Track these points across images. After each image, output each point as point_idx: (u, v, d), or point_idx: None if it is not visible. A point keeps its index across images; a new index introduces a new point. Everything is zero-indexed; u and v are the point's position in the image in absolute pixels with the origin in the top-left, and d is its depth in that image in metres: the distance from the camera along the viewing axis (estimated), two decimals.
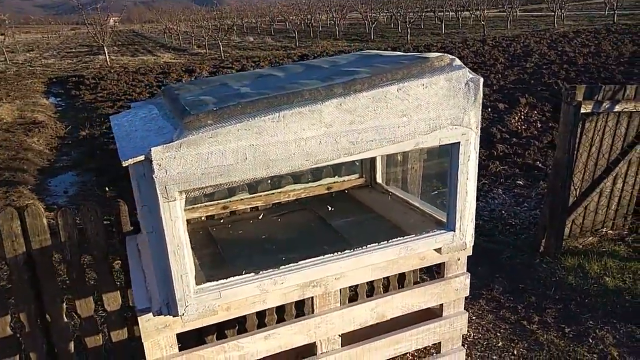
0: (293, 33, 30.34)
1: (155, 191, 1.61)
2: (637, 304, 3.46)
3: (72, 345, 2.52)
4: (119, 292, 2.55)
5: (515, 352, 3.08)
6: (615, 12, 28.34)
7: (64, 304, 2.47)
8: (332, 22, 37.68)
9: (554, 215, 4.06)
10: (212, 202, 2.64)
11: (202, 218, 2.65)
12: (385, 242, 2.09)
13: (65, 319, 2.48)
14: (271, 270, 1.91)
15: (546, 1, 33.65)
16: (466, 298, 2.62)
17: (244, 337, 2.08)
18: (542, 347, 3.12)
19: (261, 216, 2.66)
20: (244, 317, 2.80)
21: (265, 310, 2.82)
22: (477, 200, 5.09)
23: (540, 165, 6.42)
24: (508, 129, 8.05)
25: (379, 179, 2.95)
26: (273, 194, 2.76)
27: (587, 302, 3.51)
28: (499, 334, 3.28)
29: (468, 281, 2.51)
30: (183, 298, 1.74)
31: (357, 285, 3.06)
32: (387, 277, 3.15)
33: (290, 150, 1.76)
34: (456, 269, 2.48)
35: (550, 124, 8.11)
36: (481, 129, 2.24)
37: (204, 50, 26.97)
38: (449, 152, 2.13)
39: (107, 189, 6.42)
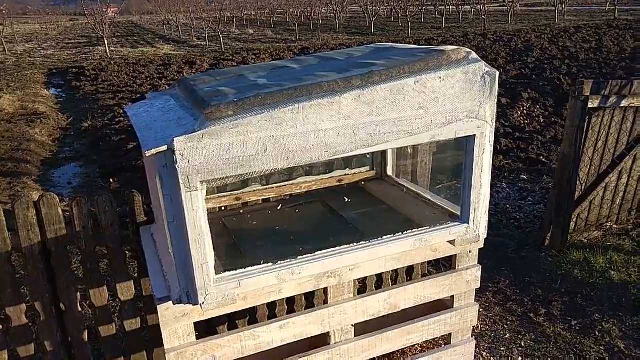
0: (293, 26, 30.26)
1: (177, 181, 1.62)
2: None
3: (86, 334, 2.54)
4: (132, 282, 2.56)
5: (522, 344, 3.12)
6: (616, 7, 28.31)
7: (78, 294, 2.48)
8: (333, 15, 37.55)
9: (560, 209, 4.09)
10: (225, 194, 2.65)
11: (215, 209, 2.67)
12: (401, 233, 2.10)
13: (80, 308, 2.50)
14: (289, 260, 1.92)
15: None
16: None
17: (259, 326, 2.10)
18: (549, 339, 3.15)
19: (279, 207, 2.67)
20: (254, 307, 2.82)
21: (275, 301, 2.84)
22: None
23: (543, 160, 6.44)
24: (511, 124, 8.07)
25: (389, 172, 2.97)
26: (285, 185, 2.77)
27: (593, 296, 3.54)
28: (506, 326, 3.31)
29: (479, 273, 2.53)
30: (203, 287, 1.75)
31: (365, 277, 3.08)
32: (396, 270, 3.17)
33: (309, 142, 1.77)
34: (467, 261, 2.51)
35: (553, 119, 8.12)
36: None
37: (204, 43, 26.88)
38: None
39: (111, 180, 6.42)
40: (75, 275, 2.57)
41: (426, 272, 3.48)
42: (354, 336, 2.35)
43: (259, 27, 39.06)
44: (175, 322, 1.93)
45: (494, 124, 2.09)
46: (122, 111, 10.17)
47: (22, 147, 7.95)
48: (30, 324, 2.45)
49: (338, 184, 2.91)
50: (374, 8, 36.08)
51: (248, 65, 2.33)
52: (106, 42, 21.92)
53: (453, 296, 2.54)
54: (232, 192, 2.67)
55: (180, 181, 1.62)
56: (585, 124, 3.94)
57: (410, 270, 3.39)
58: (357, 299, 2.28)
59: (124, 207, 2.51)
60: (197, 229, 1.69)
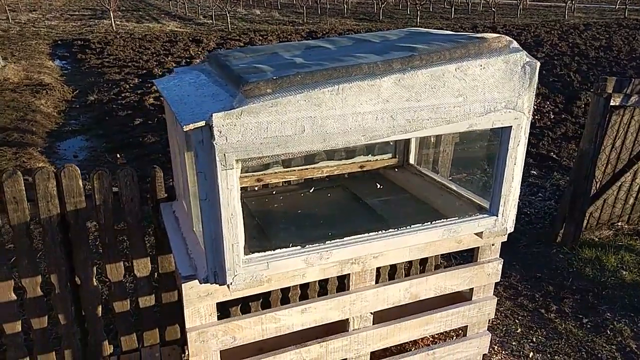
0: (300, 9, 29.93)
1: (213, 158, 1.58)
2: None
3: (100, 309, 2.51)
4: (149, 258, 2.53)
5: (534, 340, 3.11)
6: (627, 6, 28.06)
7: (95, 268, 2.45)
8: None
9: (575, 206, 4.06)
10: (246, 174, 2.61)
11: None
12: (429, 223, 2.07)
13: (95, 283, 2.47)
14: (317, 244, 1.89)
15: None
16: None
17: (281, 309, 2.07)
18: (560, 336, 3.14)
19: (311, 190, 2.63)
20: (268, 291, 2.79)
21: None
22: None
23: (554, 156, 6.41)
24: None
25: (411, 160, 2.93)
26: (307, 169, 2.73)
27: (604, 294, 3.53)
28: (517, 321, 3.30)
29: (500, 267, 2.51)
30: (232, 267, 1.72)
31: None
32: (410, 260, 3.14)
33: (347, 125, 1.72)
34: (489, 254, 2.48)
35: (563, 116, 8.07)
36: None
37: (210, 21, 26.57)
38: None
39: (118, 155, 6.37)
40: (92, 249, 2.53)
41: (439, 263, 3.46)
42: (372, 324, 2.33)
43: (266, 8, 38.63)
44: (198, 301, 1.90)
45: (531, 116, 2.05)
46: (128, 86, 10.07)
47: (28, 117, 7.86)
48: (44, 297, 2.42)
49: (360, 169, 2.87)
50: None
51: (280, 43, 2.27)
52: (112, 16, 21.64)
53: (472, 288, 2.52)
54: (253, 173, 2.63)
55: (217, 158, 1.57)
56: (605, 122, 3.89)
57: (424, 260, 3.37)
58: (378, 287, 2.25)
59: (144, 183, 2.47)
60: (231, 208, 1.65)
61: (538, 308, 3.43)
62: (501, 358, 2.97)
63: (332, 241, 1.92)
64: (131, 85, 10.24)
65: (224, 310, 2.82)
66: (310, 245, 1.87)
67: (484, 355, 2.72)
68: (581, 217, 4.13)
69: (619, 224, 4.46)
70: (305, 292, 3.00)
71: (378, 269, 3.18)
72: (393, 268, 3.28)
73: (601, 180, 4.17)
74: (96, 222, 2.38)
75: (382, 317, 2.41)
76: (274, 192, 2.66)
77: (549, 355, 2.98)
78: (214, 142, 1.55)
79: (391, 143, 2.90)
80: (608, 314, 3.33)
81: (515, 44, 1.98)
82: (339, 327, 2.31)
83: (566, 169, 5.93)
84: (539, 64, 1.99)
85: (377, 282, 2.28)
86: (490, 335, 2.69)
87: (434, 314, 2.45)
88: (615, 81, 3.80)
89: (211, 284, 1.77)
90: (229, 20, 23.15)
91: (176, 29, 22.51)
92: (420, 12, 27.13)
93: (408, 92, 1.79)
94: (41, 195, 2.23)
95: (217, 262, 1.73)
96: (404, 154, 2.93)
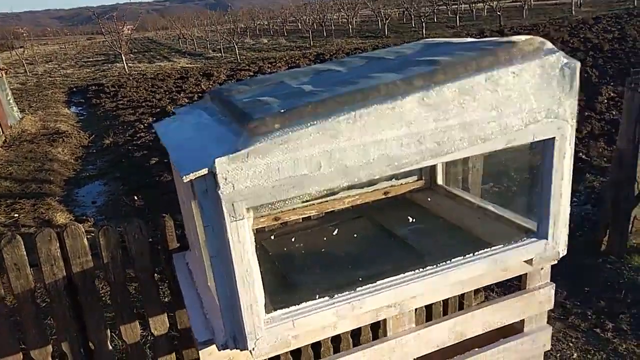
0: (306, 33, 30.16)
1: (220, 209, 1.38)
2: None
3: None
4: (166, 315, 2.33)
5: None
6: None
7: (108, 331, 2.26)
8: (345, 20, 37.38)
9: (618, 210, 3.76)
10: (262, 214, 2.41)
11: (253, 230, 2.42)
12: (472, 255, 1.83)
13: (110, 347, 2.28)
14: (347, 292, 1.67)
15: None
16: None
17: None
18: (622, 358, 2.83)
19: (335, 232, 2.40)
20: None
21: None
22: None
23: (583, 156, 6.09)
24: None
25: (439, 181, 2.70)
26: (327, 201, 2.52)
27: None
28: (571, 344, 3.00)
29: (553, 292, 2.24)
30: (253, 330, 1.50)
31: None
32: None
33: (369, 155, 1.51)
34: (539, 280, 2.22)
35: (586, 113, 7.75)
36: None
37: (220, 54, 26.92)
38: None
39: (135, 197, 6.26)
40: (103, 303, 2.35)
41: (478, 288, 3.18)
42: None
43: (272, 36, 39.10)
44: None
45: (575, 124, 1.81)
46: (142, 126, 10.07)
47: (45, 167, 7.86)
48: None
49: (384, 196, 2.65)
50: (386, 11, 35.83)
51: (287, 71, 2.09)
52: (124, 59, 22.05)
53: (523, 319, 2.25)
54: (270, 212, 2.42)
55: (224, 209, 1.37)
56: None
57: None
58: (419, 329, 2.00)
59: (154, 232, 2.29)
60: (245, 265, 1.44)
61: (592, 327, 3.12)
62: None
63: (364, 287, 1.69)
64: (146, 125, 10.25)
65: None
66: (339, 295, 1.65)
67: None
68: (626, 221, 3.82)
69: None
70: (337, 345, 2.73)
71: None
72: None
73: None
74: (106, 281, 2.20)
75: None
76: (294, 231, 2.45)
77: None
78: (219, 192, 1.36)
79: None
80: None
81: (549, 45, 1.75)
82: None
83: (598, 170, 5.60)
84: (579, 64, 1.76)
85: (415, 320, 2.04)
86: None
87: (483, 351, 2.18)
88: None
89: (231, 349, 1.55)
90: (237, 51, 23.40)
91: (187, 65, 22.82)
92: (425, 24, 27.07)
93: (434, 111, 1.58)
94: (44, 259, 2.07)
95: (235, 325, 1.52)
96: (430, 174, 2.70)
